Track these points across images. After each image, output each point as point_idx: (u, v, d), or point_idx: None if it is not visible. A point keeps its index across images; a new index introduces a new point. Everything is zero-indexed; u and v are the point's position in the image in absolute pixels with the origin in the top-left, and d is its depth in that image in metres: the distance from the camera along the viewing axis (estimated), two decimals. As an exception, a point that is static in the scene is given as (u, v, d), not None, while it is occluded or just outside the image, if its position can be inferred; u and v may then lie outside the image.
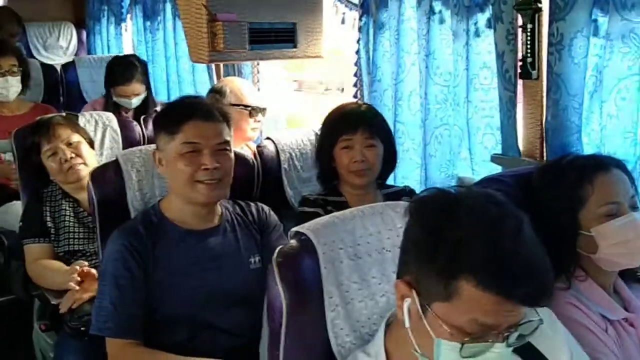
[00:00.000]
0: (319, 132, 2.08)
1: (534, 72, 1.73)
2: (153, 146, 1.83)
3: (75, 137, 2.28)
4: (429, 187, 1.10)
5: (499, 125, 1.89)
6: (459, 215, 0.96)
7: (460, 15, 1.92)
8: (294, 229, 1.25)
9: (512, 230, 0.94)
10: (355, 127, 1.91)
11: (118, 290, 1.57)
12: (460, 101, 2.00)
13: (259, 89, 2.98)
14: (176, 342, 1.60)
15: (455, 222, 0.95)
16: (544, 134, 1.77)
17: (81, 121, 2.46)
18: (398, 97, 2.19)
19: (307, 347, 1.18)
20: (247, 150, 2.39)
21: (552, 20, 1.64)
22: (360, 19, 2.33)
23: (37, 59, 4.13)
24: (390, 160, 2.01)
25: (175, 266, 1.63)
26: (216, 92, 2.47)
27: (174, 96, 3.60)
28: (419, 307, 0.99)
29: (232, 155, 1.70)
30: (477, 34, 1.89)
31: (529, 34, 1.72)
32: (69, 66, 3.97)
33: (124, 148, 2.52)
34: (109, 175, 1.83)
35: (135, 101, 3.19)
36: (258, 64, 3.02)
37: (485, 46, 1.88)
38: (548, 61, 1.68)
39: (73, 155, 2.24)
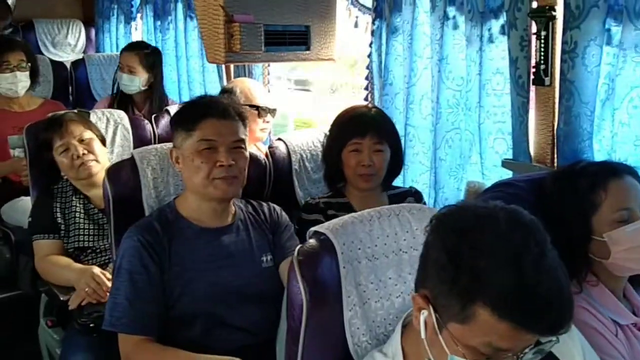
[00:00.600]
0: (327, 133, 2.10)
1: (547, 79, 1.75)
2: (169, 145, 1.85)
3: (88, 134, 2.29)
4: (449, 205, 1.08)
5: (510, 130, 1.90)
6: (481, 241, 0.94)
7: (474, 21, 1.93)
8: (313, 228, 1.26)
9: (535, 258, 0.93)
10: (365, 131, 1.92)
11: (133, 286, 1.59)
12: (472, 106, 2.02)
13: (269, 90, 2.99)
14: (190, 340, 1.61)
15: (478, 248, 0.94)
16: (555, 140, 1.78)
17: (93, 118, 2.47)
18: (409, 100, 2.21)
19: (325, 345, 1.20)
20: (259, 151, 2.40)
21: (566, 28, 1.65)
22: (373, 23, 2.35)
23: (45, 55, 4.13)
24: (396, 165, 2.03)
25: (191, 263, 1.64)
26: (226, 92, 2.48)
27: (184, 96, 3.63)
28: (435, 322, 0.99)
29: (247, 153, 1.73)
30: (490, 40, 1.91)
31: (542, 41, 1.73)
32: (78, 64, 3.97)
33: (135, 146, 2.53)
34: (124, 173, 1.84)
35: (127, 79, 3.22)
36: (269, 66, 3.04)
37: (499, 52, 1.90)
38: (561, 68, 1.69)
39: (85, 151, 2.25)
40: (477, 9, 1.92)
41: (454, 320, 0.96)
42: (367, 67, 2.44)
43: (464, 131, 2.08)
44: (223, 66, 3.11)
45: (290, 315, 1.18)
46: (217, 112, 1.67)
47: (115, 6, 4.30)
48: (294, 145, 2.22)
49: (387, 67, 2.29)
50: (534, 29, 1.76)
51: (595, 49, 1.63)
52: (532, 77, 1.78)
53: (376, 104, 2.41)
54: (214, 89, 3.32)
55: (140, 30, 4.20)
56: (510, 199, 1.46)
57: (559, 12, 1.71)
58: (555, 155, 1.80)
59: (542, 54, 1.74)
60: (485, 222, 0.96)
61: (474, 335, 0.95)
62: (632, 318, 1.40)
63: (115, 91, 3.38)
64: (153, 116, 2.89)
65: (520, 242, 0.94)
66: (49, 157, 2.29)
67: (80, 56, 4.24)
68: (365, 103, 2.44)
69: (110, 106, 3.27)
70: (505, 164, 1.91)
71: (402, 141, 2.27)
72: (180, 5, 3.57)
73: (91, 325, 1.89)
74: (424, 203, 2.11)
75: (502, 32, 1.87)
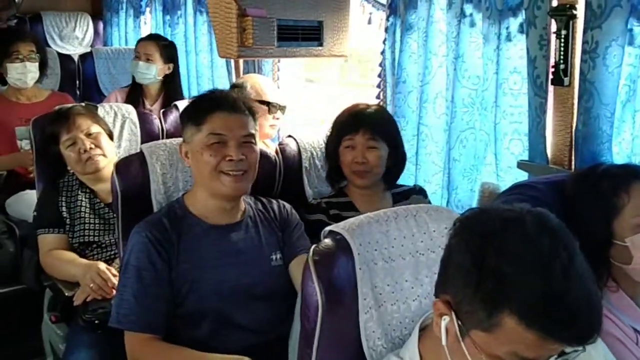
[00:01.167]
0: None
1: (566, 79, 1.72)
2: (178, 140, 1.82)
3: (95, 128, 2.27)
4: (473, 208, 1.04)
5: (527, 131, 1.87)
6: (508, 245, 0.91)
7: (492, 19, 1.90)
8: (328, 228, 1.24)
9: (563, 265, 0.90)
10: (357, 127, 1.92)
11: (141, 283, 1.56)
12: (488, 105, 1.99)
13: (278, 86, 2.96)
14: (197, 338, 1.59)
15: (504, 253, 0.91)
16: (573, 142, 1.75)
17: (100, 112, 2.45)
18: (423, 99, 2.18)
19: (339, 348, 1.17)
20: (267, 148, 2.37)
21: (587, 27, 1.62)
22: (387, 20, 2.32)
23: (52, 48, 4.11)
24: (397, 163, 2.01)
25: (199, 260, 1.62)
26: (237, 87, 2.46)
27: (193, 91, 3.62)
28: (457, 329, 0.96)
29: (257, 148, 1.70)
30: (508, 38, 1.88)
31: (562, 40, 1.71)
32: (86, 57, 3.96)
33: (142, 141, 2.51)
34: (133, 168, 1.81)
35: (144, 67, 3.21)
36: (279, 62, 3.01)
37: (517, 51, 1.87)
38: (581, 68, 1.66)
39: (92, 145, 2.22)
40: (495, 7, 1.89)
41: (478, 327, 0.93)
42: (380, 65, 2.40)
43: (479, 131, 2.05)
44: (232, 62, 3.09)
45: (305, 316, 1.15)
46: (227, 106, 1.65)
47: (124, 0, 4.28)
48: (304, 143, 2.19)
49: (400, 65, 2.26)
50: (553, 27, 1.73)
51: (617, 49, 1.59)
52: (550, 77, 1.75)
53: (388, 102, 2.38)
54: (223, 85, 3.30)
55: (149, 24, 4.18)
56: (529, 202, 1.44)
57: (580, 11, 1.68)
58: (573, 158, 1.77)
59: (562, 53, 1.71)
60: (512, 226, 0.93)
61: (499, 343, 0.92)
62: (652, 326, 1.37)
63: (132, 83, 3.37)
64: (161, 111, 2.86)
65: (548, 247, 0.90)
66: (55, 151, 2.27)
67: (88, 49, 4.22)
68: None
69: (127, 96, 3.27)
70: (521, 165, 1.88)
71: (415, 140, 2.25)
72: (189, 0, 3.54)
73: (96, 321, 1.87)
74: (429, 202, 2.09)
75: (521, 31, 1.84)
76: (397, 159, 2.00)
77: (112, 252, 2.18)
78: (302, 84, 3.43)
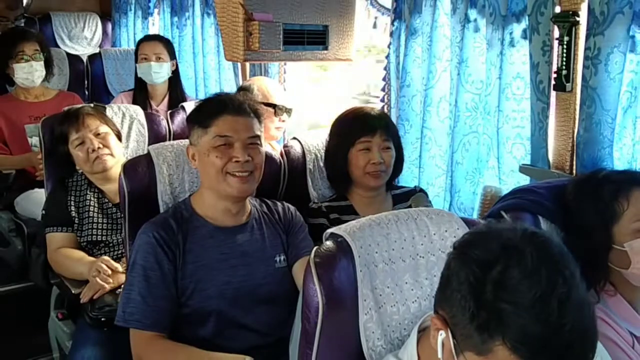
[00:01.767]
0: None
1: (568, 85, 1.73)
2: (185, 141, 1.85)
3: (104, 128, 2.30)
4: (472, 230, 1.04)
5: (529, 135, 1.88)
6: (506, 279, 0.91)
7: (495, 24, 1.92)
8: (329, 230, 1.26)
9: (561, 299, 0.89)
10: (374, 129, 1.94)
11: (147, 282, 1.59)
12: (491, 110, 2.00)
13: (284, 89, 2.99)
14: (201, 338, 1.61)
15: (502, 288, 0.90)
16: (574, 147, 1.76)
17: (109, 113, 2.47)
18: (427, 103, 2.19)
19: (339, 348, 1.19)
20: (273, 150, 2.39)
21: (589, 34, 1.63)
22: (392, 24, 2.33)
23: (61, 48, 4.15)
24: (398, 164, 2.04)
25: (205, 261, 1.64)
26: (244, 90, 2.48)
27: (200, 93, 3.63)
28: (452, 347, 0.97)
29: (263, 150, 1.73)
30: (512, 43, 1.89)
31: (565, 46, 1.71)
32: (95, 58, 3.99)
33: (150, 142, 2.54)
34: (140, 168, 1.83)
35: (157, 67, 3.23)
36: (285, 65, 3.03)
37: (520, 56, 1.88)
38: (583, 75, 1.67)
39: (100, 145, 2.25)
40: (499, 12, 1.90)
41: (472, 350, 0.94)
42: (385, 69, 2.42)
43: (482, 135, 2.06)
44: (239, 64, 3.11)
45: (305, 317, 1.17)
46: (233, 109, 1.68)
47: (133, 1, 4.31)
48: (309, 145, 2.21)
49: (405, 69, 2.27)
50: (556, 34, 1.74)
51: (619, 55, 1.60)
52: (553, 82, 1.76)
53: (392, 105, 2.40)
54: (230, 87, 3.32)
55: (157, 25, 4.21)
56: (530, 206, 1.45)
57: (583, 18, 1.69)
58: (575, 162, 1.78)
59: (564, 59, 1.72)
60: (511, 256, 0.92)
61: None
62: (649, 330, 1.39)
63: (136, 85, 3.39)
64: (168, 112, 2.89)
65: (546, 281, 0.90)
66: (64, 150, 2.30)
67: (97, 50, 4.25)
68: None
69: (133, 99, 3.30)
70: (523, 169, 1.89)
71: (418, 144, 2.28)
72: (197, 2, 3.57)
73: (102, 319, 1.89)
74: (430, 203, 2.10)
75: (524, 37, 1.85)
76: (398, 160, 2.03)
77: (120, 252, 2.21)
78: (309, 87, 3.44)
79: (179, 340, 1.60)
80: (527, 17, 1.81)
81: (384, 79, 2.45)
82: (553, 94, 1.79)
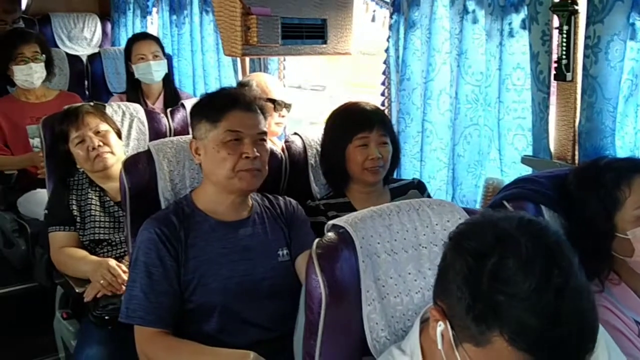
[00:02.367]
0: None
1: (569, 74, 1.72)
2: (185, 137, 1.84)
3: (104, 126, 2.30)
4: (468, 221, 1.02)
5: (530, 126, 1.88)
6: (501, 270, 0.90)
7: (494, 15, 1.91)
8: (331, 222, 1.25)
9: (557, 289, 0.88)
10: (371, 124, 1.93)
11: (149, 278, 1.58)
12: (492, 101, 1.99)
13: (284, 85, 2.98)
14: (205, 333, 1.61)
15: (497, 279, 0.90)
16: (576, 137, 1.76)
17: (109, 111, 2.47)
18: (427, 96, 2.18)
19: (343, 340, 1.19)
20: (274, 145, 2.39)
21: (589, 22, 1.62)
22: (390, 17, 2.32)
23: (61, 49, 4.15)
24: (395, 157, 2.04)
25: (207, 256, 1.64)
26: (243, 85, 2.48)
27: (199, 90, 3.63)
28: (451, 338, 0.97)
29: (268, 147, 1.73)
30: (511, 34, 1.88)
31: (564, 35, 1.71)
32: (94, 57, 3.99)
33: (150, 139, 2.53)
34: (141, 165, 1.83)
35: (156, 65, 3.25)
36: (284, 60, 3.03)
37: (519, 47, 1.87)
38: (583, 63, 1.66)
39: (100, 143, 2.25)
40: (498, 3, 1.89)
41: (470, 342, 0.94)
42: (385, 62, 2.41)
43: (483, 127, 2.06)
44: (239, 61, 3.11)
45: (309, 308, 1.17)
46: (244, 104, 1.67)
47: (132, 0, 4.30)
48: (310, 140, 2.20)
49: (404, 62, 2.26)
50: (555, 23, 1.73)
51: (619, 43, 1.60)
52: (553, 72, 1.75)
53: (393, 99, 2.40)
54: (229, 83, 3.31)
55: (156, 24, 4.20)
56: (532, 195, 1.45)
57: (582, 6, 1.68)
58: (576, 152, 1.77)
59: (564, 48, 1.72)
60: (506, 247, 0.91)
61: (490, 358, 0.92)
62: (653, 318, 1.38)
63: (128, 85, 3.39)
64: (169, 110, 2.89)
65: (542, 272, 0.89)
66: (65, 149, 2.30)
67: (96, 50, 4.25)
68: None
69: (128, 100, 3.28)
70: (525, 160, 1.89)
71: (419, 137, 2.27)
72: (196, 0, 3.57)
73: (106, 317, 1.90)
74: (428, 194, 2.10)
75: (523, 27, 1.85)
76: (395, 154, 2.03)
77: (122, 250, 2.21)
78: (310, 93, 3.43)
79: (183, 336, 1.60)
80: (525, 7, 1.80)
81: (383, 73, 2.44)
82: (554, 83, 1.78)
